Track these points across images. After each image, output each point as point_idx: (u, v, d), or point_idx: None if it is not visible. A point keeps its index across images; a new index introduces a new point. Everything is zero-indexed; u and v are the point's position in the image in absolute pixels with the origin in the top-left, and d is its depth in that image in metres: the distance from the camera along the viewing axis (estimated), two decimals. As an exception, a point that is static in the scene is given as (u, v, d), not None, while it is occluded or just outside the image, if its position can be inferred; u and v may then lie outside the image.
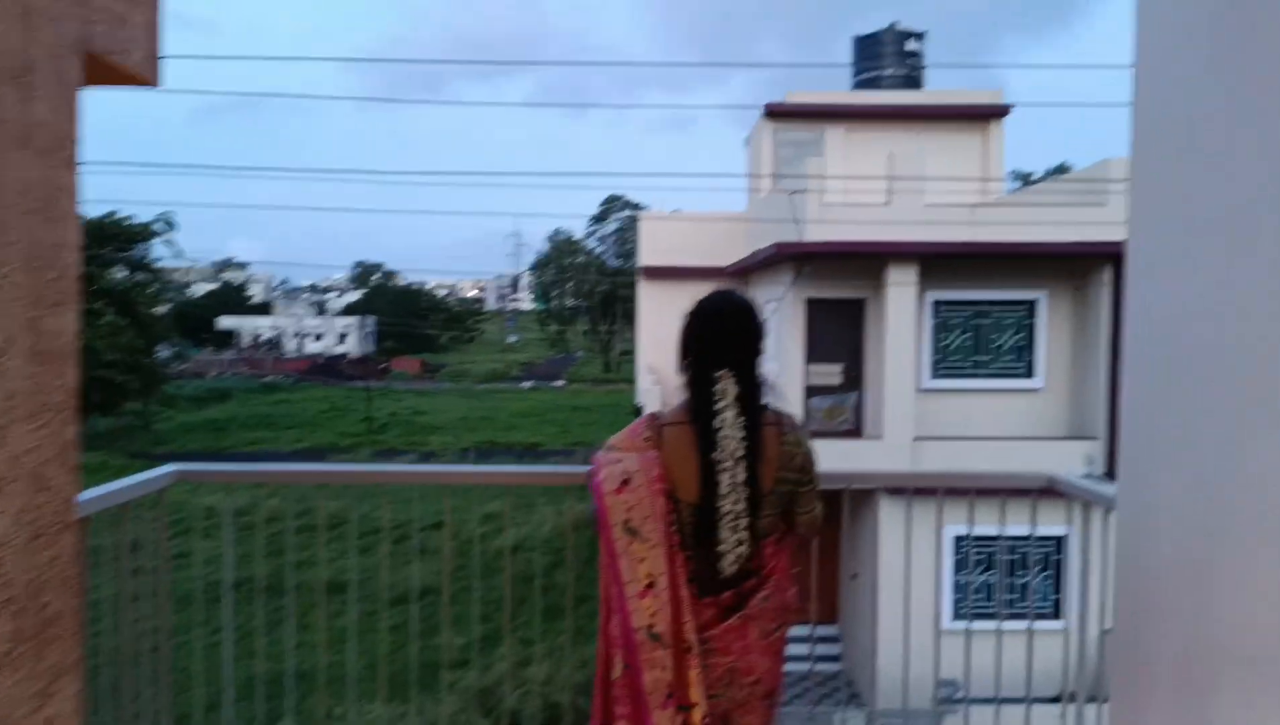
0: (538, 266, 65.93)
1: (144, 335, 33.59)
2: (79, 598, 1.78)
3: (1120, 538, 1.44)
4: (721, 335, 2.02)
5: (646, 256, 17.06)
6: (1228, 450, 1.11)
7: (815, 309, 12.44)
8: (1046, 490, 2.71)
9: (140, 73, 1.40)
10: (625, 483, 1.96)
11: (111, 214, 34.12)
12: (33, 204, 1.35)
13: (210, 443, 33.66)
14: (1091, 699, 2.72)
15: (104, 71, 1.36)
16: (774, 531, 2.06)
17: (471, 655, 13.19)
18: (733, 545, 1.95)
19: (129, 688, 2.40)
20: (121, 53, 1.32)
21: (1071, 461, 11.42)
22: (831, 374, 12.61)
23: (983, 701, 3.05)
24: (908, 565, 2.92)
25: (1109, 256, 11.48)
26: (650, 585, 1.92)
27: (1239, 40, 1.09)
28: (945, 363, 12.22)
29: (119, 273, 35.17)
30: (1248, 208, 1.06)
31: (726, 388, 1.96)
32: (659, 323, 16.77)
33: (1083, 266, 11.92)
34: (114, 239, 34.27)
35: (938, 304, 12.14)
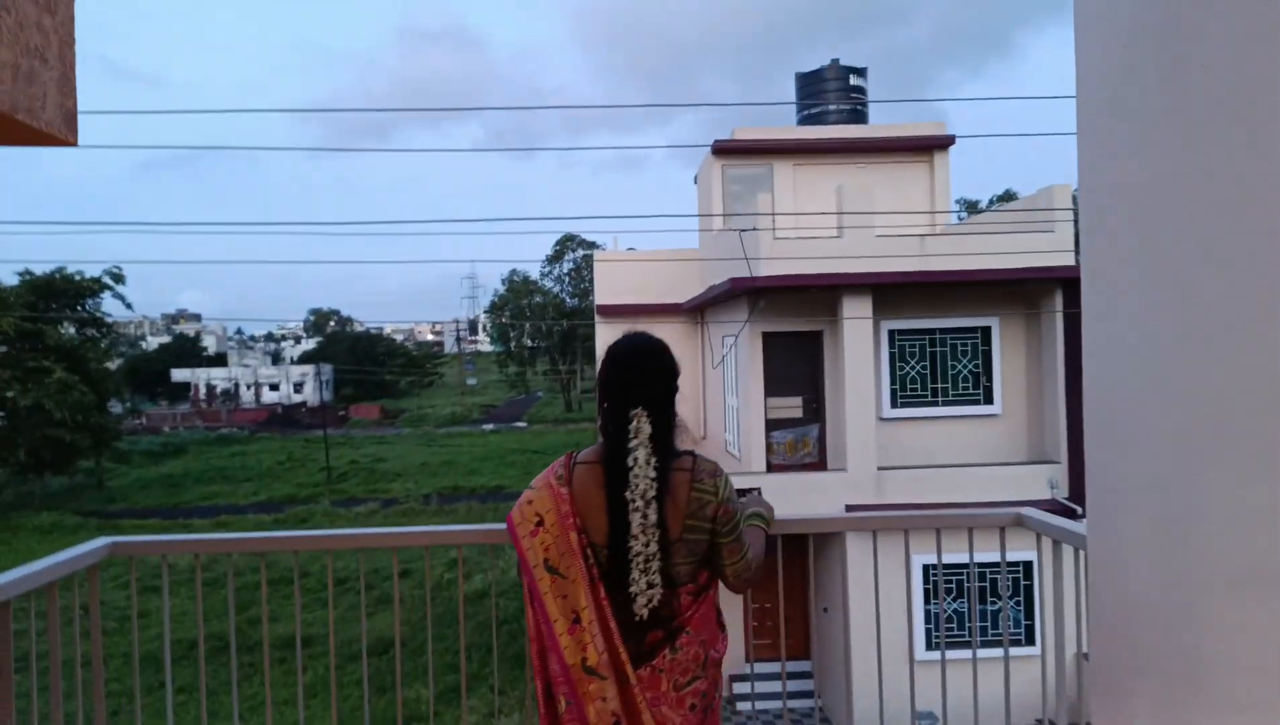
0: (495, 308, 65.76)
1: (95, 391, 32.80)
2: (0, 688, 1.65)
3: (1093, 576, 1.42)
4: (633, 376, 2.01)
5: (603, 295, 17.07)
6: (1193, 487, 1.10)
7: (773, 343, 12.51)
8: (1015, 525, 2.69)
9: (54, 131, 1.32)
10: (539, 524, 1.97)
11: (59, 270, 33.41)
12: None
13: (165, 499, 32.78)
14: (1071, 724, 2.69)
15: (13, 130, 1.28)
16: (689, 581, 1.99)
17: (439, 708, 12.84)
18: (643, 588, 1.91)
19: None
20: (30, 111, 1.24)
21: (1034, 486, 11.54)
22: (792, 407, 12.65)
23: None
24: (877, 597, 2.87)
25: (1058, 281, 11.73)
26: (576, 620, 1.92)
27: (1180, 65, 1.09)
28: (904, 392, 12.33)
29: (68, 329, 34.36)
30: (1201, 235, 1.06)
31: (640, 427, 1.94)
32: (619, 361, 16.75)
33: (1033, 291, 12.16)
34: (61, 295, 33.56)
35: (893, 333, 12.27)
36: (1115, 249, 1.24)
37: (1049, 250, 11.76)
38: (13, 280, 33.05)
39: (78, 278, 33.72)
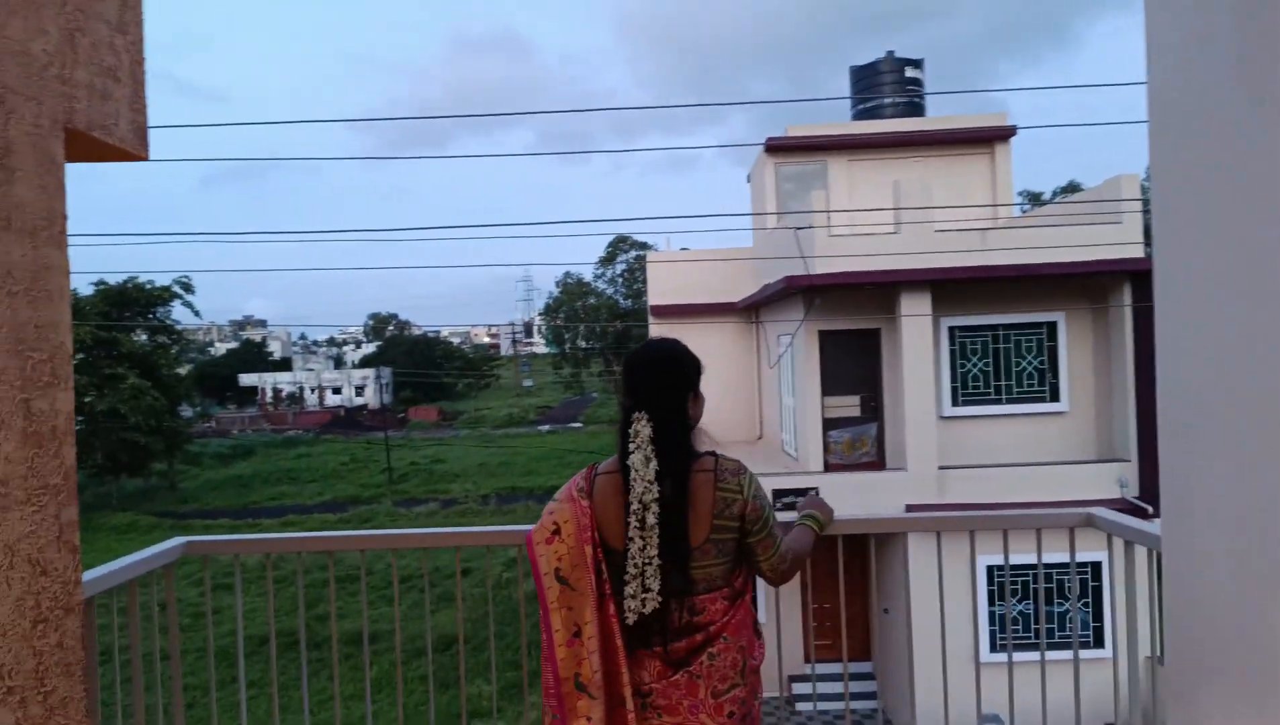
0: (549, 311, 66.33)
1: (166, 396, 34.04)
2: (85, 682, 1.73)
3: (1167, 577, 1.38)
4: (640, 380, 2.01)
5: (656, 296, 17.08)
6: (1268, 487, 1.07)
7: (829, 341, 12.37)
8: (1085, 525, 2.62)
9: (127, 146, 1.38)
10: (555, 533, 1.97)
11: (131, 280, 34.72)
12: (16, 286, 1.32)
13: (234, 499, 33.82)
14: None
15: (89, 147, 1.34)
16: (725, 584, 1.98)
17: (501, 703, 13.01)
18: (636, 591, 1.88)
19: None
20: (105, 128, 1.29)
21: (1103, 485, 11.21)
22: (849, 406, 12.49)
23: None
24: (942, 599, 2.81)
25: (1127, 274, 11.37)
26: (577, 634, 1.90)
27: (1256, 48, 1.05)
28: (966, 389, 12.09)
29: (140, 337, 35.70)
30: (1274, 232, 1.02)
31: (639, 430, 1.94)
32: (674, 361, 16.74)
33: (1101, 285, 11.81)
34: (134, 303, 34.89)
35: (954, 330, 12.04)
36: (1189, 242, 1.20)
37: (1117, 241, 11.40)
38: (88, 291, 34.46)
39: (149, 287, 35.01)
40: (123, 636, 2.37)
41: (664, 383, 2.01)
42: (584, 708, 1.88)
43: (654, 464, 1.91)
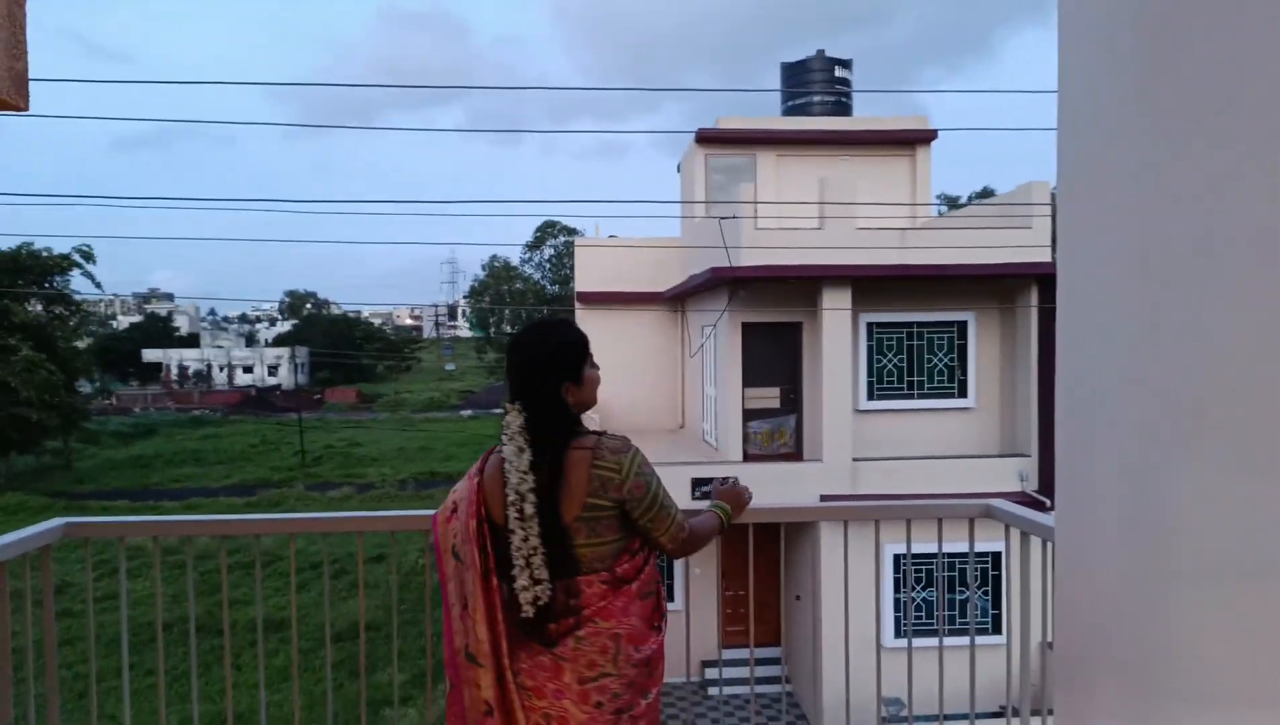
0: (474, 294, 65.43)
1: (63, 370, 32.24)
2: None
3: (1060, 567, 1.43)
4: (513, 368, 2.01)
5: (583, 282, 17.01)
6: (1162, 480, 1.11)
7: (751, 333, 12.53)
8: (984, 516, 2.70)
9: (2, 95, 1.28)
10: (454, 511, 2.01)
11: (26, 246, 32.79)
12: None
13: (135, 480, 32.40)
14: (1035, 712, 2.72)
15: (-41, 94, 1.23)
16: (600, 568, 1.95)
17: (412, 691, 12.81)
18: (527, 583, 1.90)
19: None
20: (-23, 74, 1.19)
21: (1005, 478, 11.66)
22: (770, 397, 12.68)
23: (926, 719, 3.02)
24: (847, 586, 2.88)
25: (1034, 277, 11.83)
26: (465, 606, 1.94)
27: (1163, 64, 1.09)
28: (880, 384, 12.40)
29: (35, 307, 33.76)
30: (1178, 228, 1.06)
31: (509, 421, 1.95)
32: (598, 349, 16.66)
33: (1009, 287, 12.26)
34: (28, 271, 32.94)
35: (871, 326, 12.33)
36: (1091, 242, 1.24)
37: (1026, 245, 11.85)
38: (-23, 256, 32.46)
39: (45, 254, 33.10)
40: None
41: (537, 371, 1.99)
42: (473, 676, 1.92)
43: (527, 454, 1.92)
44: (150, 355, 67.45)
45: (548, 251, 59.05)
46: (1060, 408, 1.32)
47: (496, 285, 61.04)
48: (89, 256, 33.95)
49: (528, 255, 60.00)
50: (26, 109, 1.37)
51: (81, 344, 41.49)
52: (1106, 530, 1.22)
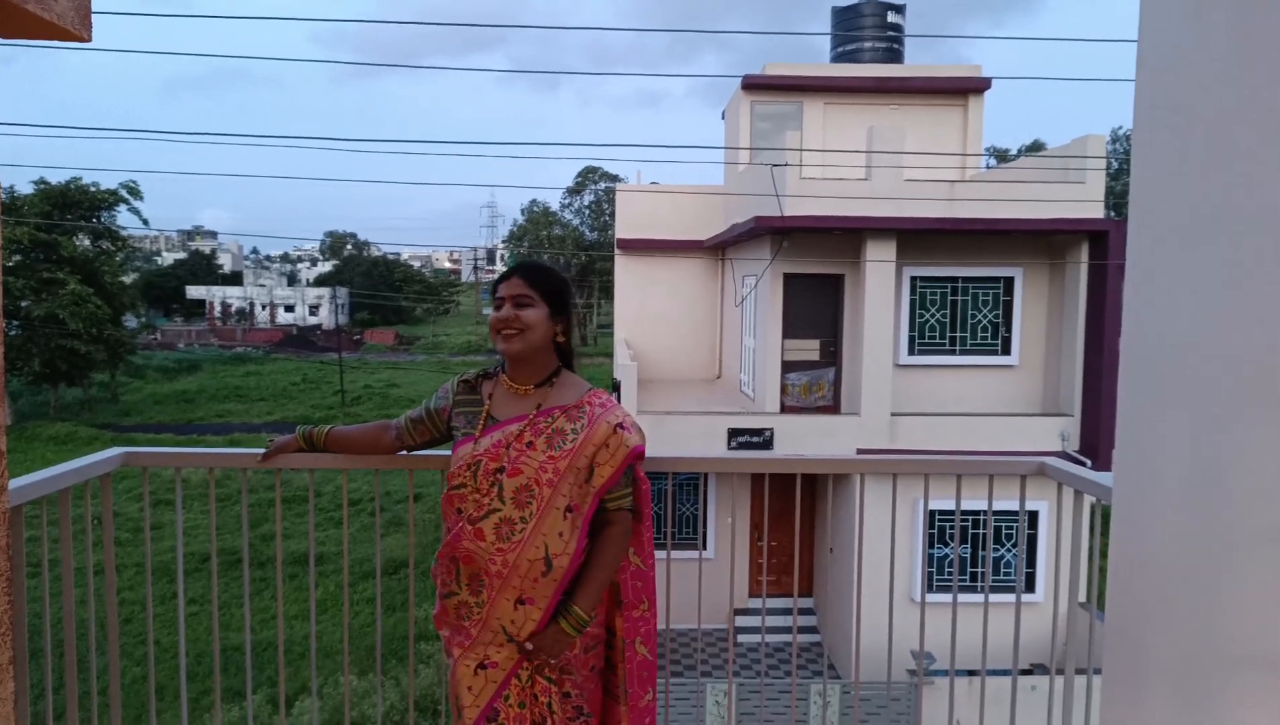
0: (513, 239, 65.40)
1: (110, 304, 32.95)
2: (9, 594, 1.66)
3: (1116, 528, 1.40)
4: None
5: (623, 229, 16.89)
6: (1226, 444, 1.09)
7: (794, 284, 12.39)
8: (1037, 474, 2.67)
9: (66, 24, 1.27)
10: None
11: (75, 180, 33.30)
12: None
13: (179, 414, 33.25)
14: (1079, 671, 2.71)
15: (23, 22, 1.23)
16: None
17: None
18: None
19: (72, 680, 2.29)
20: (41, 2, 1.18)
21: (1046, 438, 11.52)
22: (809, 349, 12.59)
23: (960, 674, 3.04)
24: (893, 541, 2.87)
25: (1086, 233, 11.51)
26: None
27: (1257, 5, 1.03)
28: (923, 339, 12.24)
29: (83, 241, 34.40)
30: (1258, 189, 1.02)
31: None
32: (637, 296, 16.64)
33: (1060, 243, 11.95)
34: (76, 206, 33.49)
35: (915, 280, 12.13)
36: (1169, 194, 1.19)
37: (1079, 200, 11.51)
38: (27, 189, 32.98)
39: (93, 190, 33.59)
40: (55, 550, 2.30)
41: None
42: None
43: None
44: (194, 292, 68.68)
45: (587, 197, 58.70)
46: (1125, 368, 1.29)
47: (535, 230, 60.93)
48: (135, 192, 34.42)
49: (568, 200, 59.72)
50: (89, 40, 1.37)
51: (127, 279, 42.30)
52: (1168, 494, 1.20)
